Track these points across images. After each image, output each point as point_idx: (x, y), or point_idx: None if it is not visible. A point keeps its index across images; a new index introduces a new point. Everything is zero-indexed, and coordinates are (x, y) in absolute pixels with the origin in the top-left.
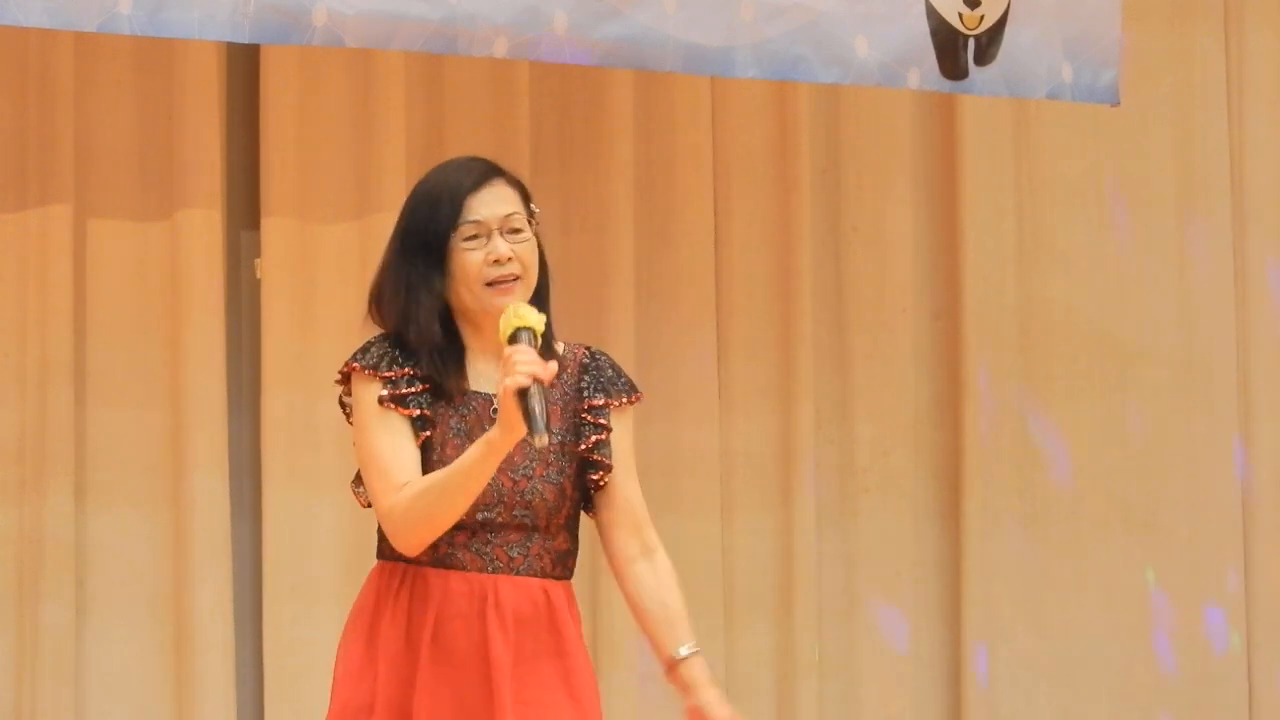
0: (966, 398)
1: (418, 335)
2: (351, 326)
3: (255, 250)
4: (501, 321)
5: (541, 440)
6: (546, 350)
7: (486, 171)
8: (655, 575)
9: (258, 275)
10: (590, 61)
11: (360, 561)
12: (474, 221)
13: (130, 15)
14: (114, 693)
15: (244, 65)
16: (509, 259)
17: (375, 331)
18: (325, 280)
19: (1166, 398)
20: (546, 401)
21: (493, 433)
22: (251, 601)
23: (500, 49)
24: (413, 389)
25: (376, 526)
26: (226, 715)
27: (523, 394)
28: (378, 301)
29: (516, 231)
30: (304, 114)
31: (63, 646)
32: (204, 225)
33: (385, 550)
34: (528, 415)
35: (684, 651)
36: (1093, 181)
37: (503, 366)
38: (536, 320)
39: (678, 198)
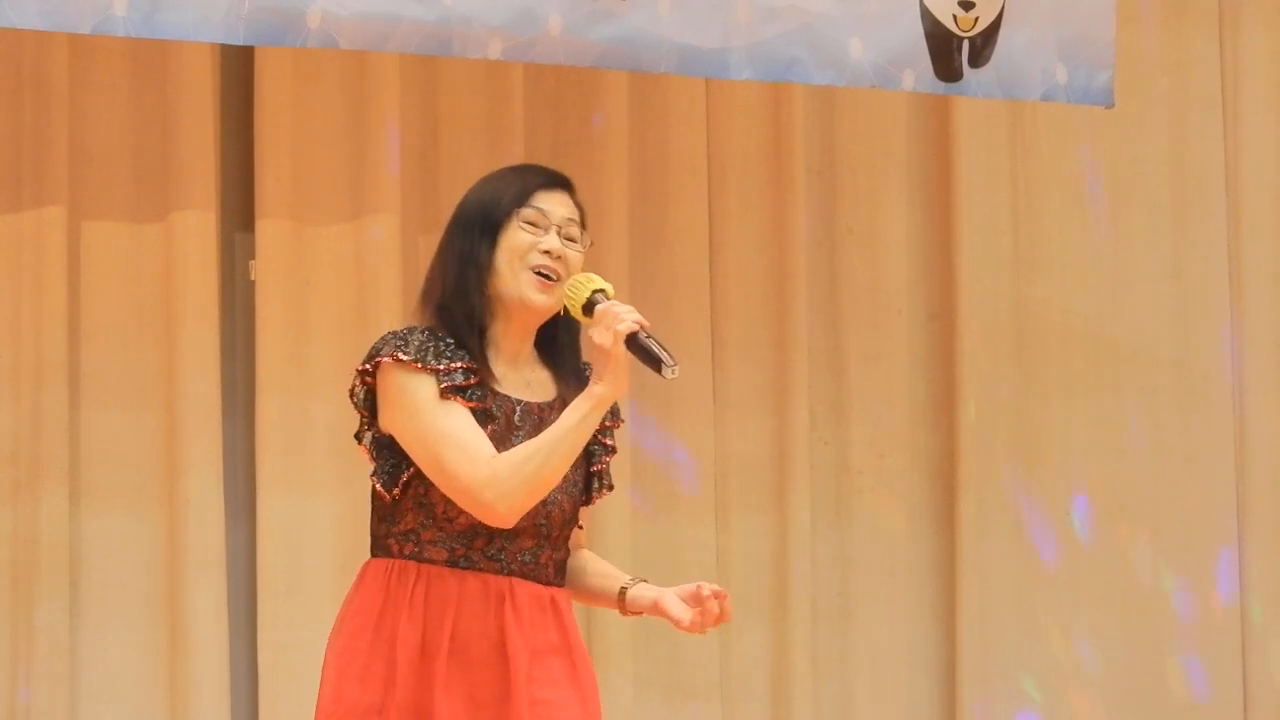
0: (961, 399)
1: (464, 309)
2: (346, 327)
3: (250, 252)
4: (569, 289)
5: (674, 373)
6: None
7: (562, 180)
8: (591, 558)
9: (252, 277)
10: (585, 63)
11: (355, 563)
12: (538, 209)
13: (125, 17)
14: (108, 694)
15: (239, 67)
16: (559, 255)
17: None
18: (320, 282)
19: (1162, 399)
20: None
21: (596, 387)
22: (246, 603)
23: (495, 51)
24: (469, 381)
25: (370, 523)
26: (221, 717)
27: (633, 338)
28: (428, 280)
29: (571, 240)
30: (298, 116)
31: (57, 648)
32: (198, 227)
33: (388, 548)
34: (649, 355)
35: (629, 580)
36: (1088, 183)
37: (602, 320)
38: (606, 284)
39: (672, 199)
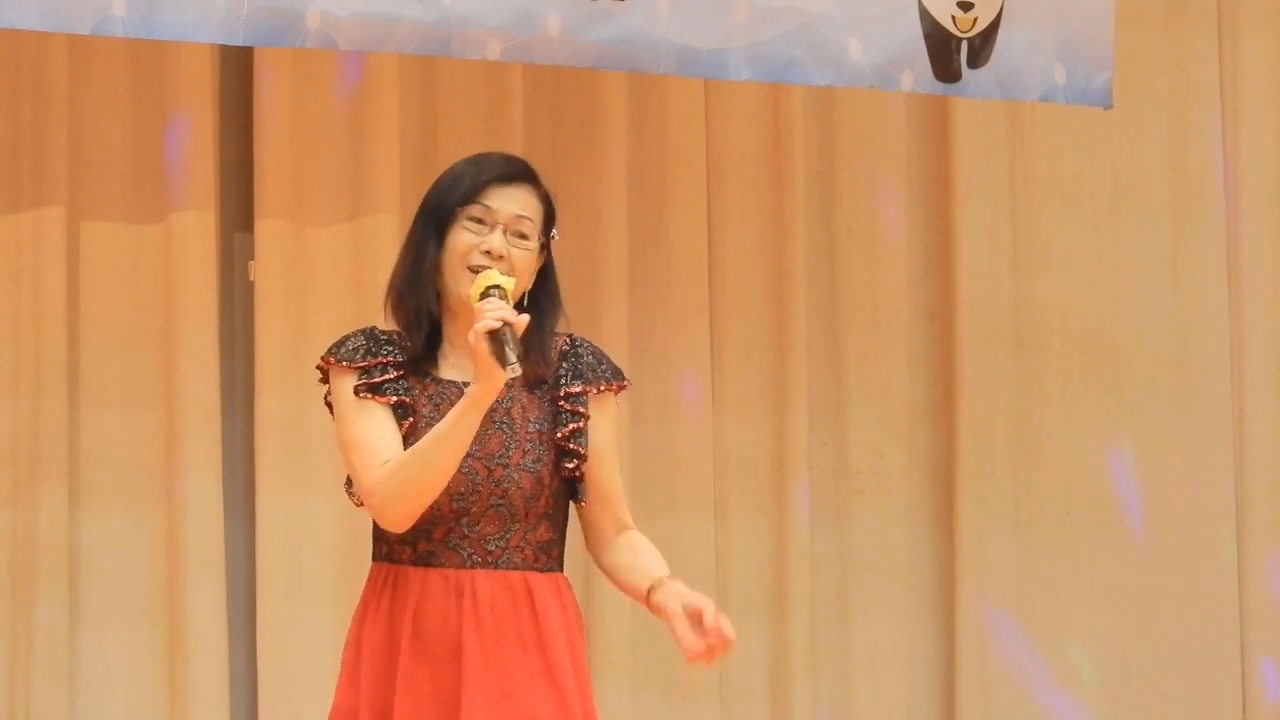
0: (960, 399)
1: (415, 301)
2: (345, 328)
3: (249, 252)
4: (473, 287)
5: (514, 370)
6: (534, 337)
7: (521, 173)
8: (630, 546)
9: (251, 278)
10: (584, 64)
11: (354, 564)
12: (485, 205)
13: (124, 17)
14: (107, 695)
15: (237, 67)
16: (500, 256)
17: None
18: (319, 282)
19: (1160, 399)
20: (519, 343)
21: (471, 387)
22: (245, 604)
23: (494, 51)
24: (387, 376)
25: (371, 528)
26: (220, 717)
27: (493, 335)
28: (393, 269)
29: (522, 236)
30: (297, 116)
31: (56, 648)
32: (198, 227)
33: (377, 551)
34: (499, 351)
35: (659, 574)
36: (1087, 183)
37: (475, 317)
38: (506, 281)
39: (671, 199)
